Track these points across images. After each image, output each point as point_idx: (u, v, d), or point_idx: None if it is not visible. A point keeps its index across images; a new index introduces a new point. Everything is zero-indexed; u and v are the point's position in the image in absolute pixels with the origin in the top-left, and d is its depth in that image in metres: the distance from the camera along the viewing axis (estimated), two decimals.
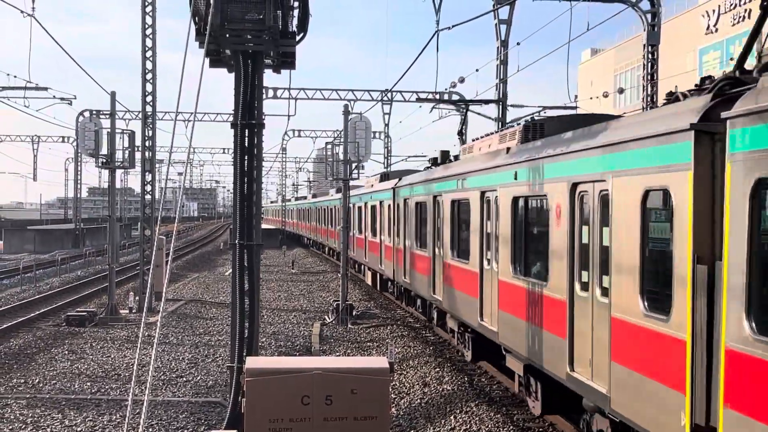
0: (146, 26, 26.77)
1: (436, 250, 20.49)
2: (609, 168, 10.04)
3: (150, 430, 13.09)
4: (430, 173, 21.76)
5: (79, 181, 72.78)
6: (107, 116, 27.52)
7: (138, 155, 27.20)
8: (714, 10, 57.09)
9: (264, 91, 13.12)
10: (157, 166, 33.31)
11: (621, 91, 52.59)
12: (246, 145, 12.39)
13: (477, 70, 36.77)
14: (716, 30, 56.82)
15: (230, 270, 13.39)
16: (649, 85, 26.12)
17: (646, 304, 9.16)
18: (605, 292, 10.18)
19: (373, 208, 32.00)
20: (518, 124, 14.77)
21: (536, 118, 15.75)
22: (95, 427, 13.23)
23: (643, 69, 26.52)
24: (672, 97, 9.75)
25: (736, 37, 54.52)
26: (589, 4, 25.62)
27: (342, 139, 26.60)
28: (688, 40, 58.38)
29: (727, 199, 7.46)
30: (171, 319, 24.54)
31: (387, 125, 56.57)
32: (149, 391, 10.18)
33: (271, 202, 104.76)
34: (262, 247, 13.03)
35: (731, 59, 53.00)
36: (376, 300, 30.37)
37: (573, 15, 22.60)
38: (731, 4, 55.02)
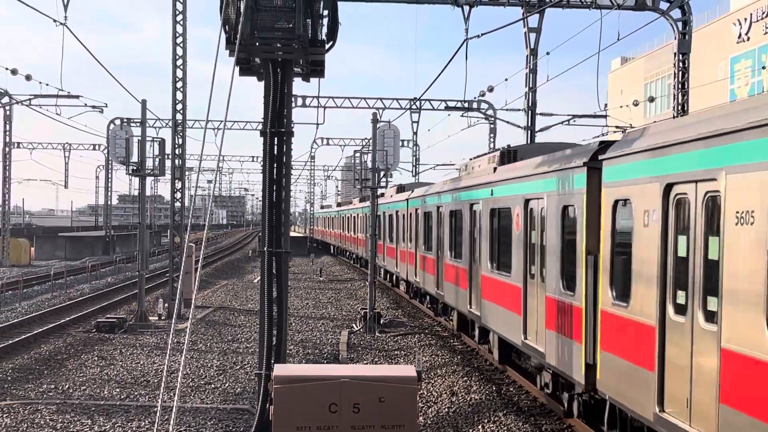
0: (176, 35, 26.98)
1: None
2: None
3: None
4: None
5: (109, 189, 73.39)
6: (138, 124, 27.79)
7: (168, 163, 27.40)
8: (745, 19, 56.65)
9: (293, 99, 13.17)
10: (186, 173, 33.55)
11: (651, 99, 52.29)
12: (275, 153, 12.43)
13: (506, 79, 36.72)
14: (748, 38, 56.37)
15: (258, 277, 13.43)
16: (679, 94, 25.96)
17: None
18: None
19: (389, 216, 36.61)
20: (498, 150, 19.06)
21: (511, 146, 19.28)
22: None
23: (674, 77, 26.36)
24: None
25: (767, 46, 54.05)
26: (620, 13, 25.51)
27: (370, 147, 26.63)
28: (719, 49, 57.96)
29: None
30: (200, 326, 24.66)
31: (415, 133, 56.67)
32: (178, 397, 10.22)
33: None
34: (291, 254, 13.06)
35: (763, 68, 52.59)
36: (404, 308, 30.35)
37: (603, 23, 22.48)
38: (763, 13, 54.56)
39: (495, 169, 17.85)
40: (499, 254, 17.29)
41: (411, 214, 29.95)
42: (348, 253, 59.82)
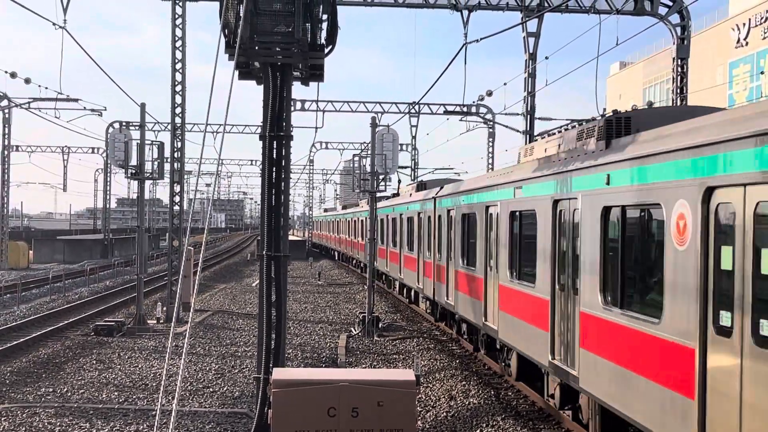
0: (176, 38, 27.00)
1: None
2: None
3: None
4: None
5: (108, 192, 73.45)
6: (137, 128, 27.78)
7: (167, 166, 27.42)
8: (744, 24, 56.77)
9: (292, 103, 13.19)
10: (185, 177, 33.56)
11: (650, 104, 52.39)
12: (274, 156, 12.45)
13: (505, 84, 36.75)
14: (746, 43, 56.49)
15: (257, 281, 13.43)
16: (678, 99, 26.01)
17: None
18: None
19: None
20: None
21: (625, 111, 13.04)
22: None
23: (673, 82, 26.41)
24: None
25: (766, 51, 54.16)
26: (619, 17, 25.55)
27: (369, 151, 26.66)
28: (718, 54, 58.08)
29: None
30: (198, 330, 24.64)
31: (414, 137, 56.70)
32: (177, 401, 10.22)
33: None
34: (289, 258, 13.07)
35: (762, 72, 52.71)
36: (402, 312, 30.34)
37: (602, 28, 22.52)
38: (762, 18, 54.68)
39: (607, 144, 11.91)
40: (623, 282, 10.92)
41: (440, 216, 24.12)
42: (354, 261, 54.96)
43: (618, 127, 11.99)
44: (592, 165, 11.81)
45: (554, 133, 14.78)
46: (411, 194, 31.51)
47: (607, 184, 11.23)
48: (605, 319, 11.14)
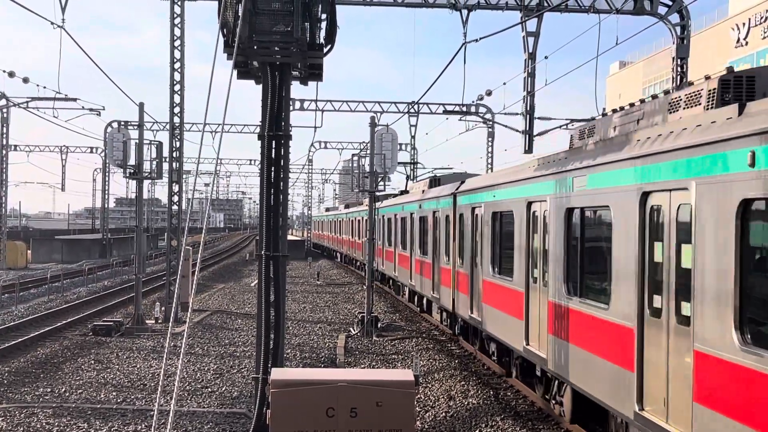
0: (174, 38, 26.97)
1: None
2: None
3: None
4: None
5: (106, 192, 73.42)
6: (135, 127, 27.76)
7: (165, 166, 27.37)
8: (744, 23, 56.81)
9: (291, 102, 13.16)
10: (184, 176, 33.53)
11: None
12: (273, 156, 12.43)
13: (504, 83, 36.73)
14: (746, 43, 56.54)
15: (256, 281, 13.40)
16: None
17: None
18: None
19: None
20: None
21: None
22: None
23: (672, 82, 26.37)
24: None
25: (766, 50, 54.19)
26: (618, 17, 25.52)
27: (368, 151, 26.63)
28: (718, 53, 58.10)
29: None
30: (196, 330, 24.61)
31: (413, 137, 56.66)
32: (175, 401, 10.19)
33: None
34: (288, 258, 13.03)
35: None
36: (401, 312, 30.31)
37: (602, 27, 22.49)
38: (762, 18, 54.73)
39: (740, 110, 8.29)
40: None
41: (462, 215, 21.07)
42: (357, 263, 51.77)
43: (737, 89, 9.15)
44: (718, 140, 8.24)
45: (622, 108, 12.13)
46: (423, 191, 28.70)
47: (752, 166, 7.64)
48: (746, 367, 7.64)
